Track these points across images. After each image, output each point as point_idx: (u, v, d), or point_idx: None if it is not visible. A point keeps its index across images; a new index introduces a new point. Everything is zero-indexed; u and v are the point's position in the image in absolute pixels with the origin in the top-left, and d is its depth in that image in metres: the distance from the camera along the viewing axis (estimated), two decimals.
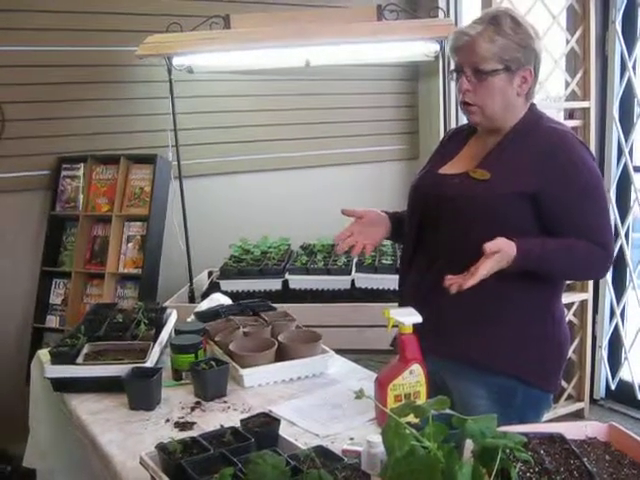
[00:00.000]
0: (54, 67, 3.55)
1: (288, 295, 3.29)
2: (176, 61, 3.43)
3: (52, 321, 3.66)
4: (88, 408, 1.94)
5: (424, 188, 2.00)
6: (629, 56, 3.64)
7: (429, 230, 1.97)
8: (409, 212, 2.07)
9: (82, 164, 3.67)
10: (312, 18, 3.45)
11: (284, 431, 1.61)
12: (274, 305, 2.58)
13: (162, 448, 1.47)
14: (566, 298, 3.40)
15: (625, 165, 3.73)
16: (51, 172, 3.66)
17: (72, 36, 3.55)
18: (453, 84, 1.94)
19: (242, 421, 1.61)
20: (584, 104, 3.66)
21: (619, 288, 3.87)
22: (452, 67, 1.92)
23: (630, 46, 3.65)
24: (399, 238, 2.15)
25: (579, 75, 3.65)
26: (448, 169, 1.98)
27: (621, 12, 3.64)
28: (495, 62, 1.80)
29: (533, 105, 1.93)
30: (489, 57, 1.80)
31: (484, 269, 1.69)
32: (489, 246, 1.69)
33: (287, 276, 3.33)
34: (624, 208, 3.78)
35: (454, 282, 1.71)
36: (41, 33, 3.49)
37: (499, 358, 1.86)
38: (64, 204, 3.68)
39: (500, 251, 1.70)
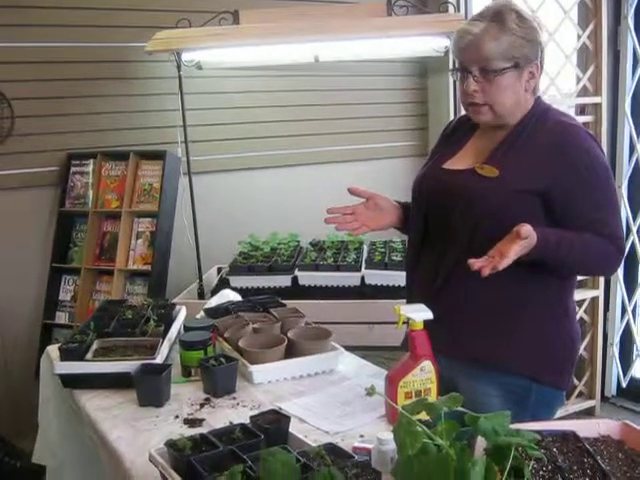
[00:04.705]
0: (63, 63, 3.55)
1: (297, 292, 3.28)
2: (185, 57, 3.42)
3: (61, 317, 3.67)
4: (97, 404, 1.95)
5: (429, 185, 1.97)
6: None
7: (436, 228, 1.94)
8: (414, 208, 2.03)
9: (91, 160, 3.67)
10: (321, 14, 3.44)
11: (294, 428, 1.60)
12: (283, 301, 2.58)
13: (171, 445, 1.46)
14: (577, 295, 3.39)
15: (637, 161, 3.70)
16: (60, 168, 3.67)
17: (81, 32, 3.56)
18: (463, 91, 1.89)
19: (252, 418, 1.61)
20: (596, 100, 3.64)
21: (631, 285, 3.85)
22: (455, 66, 1.87)
23: None
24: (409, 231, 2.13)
25: (590, 70, 3.62)
26: (453, 164, 1.95)
27: (633, 7, 3.61)
28: (503, 60, 1.77)
29: (539, 98, 1.90)
30: (496, 56, 1.76)
31: (514, 252, 1.63)
32: (525, 229, 1.62)
33: (297, 272, 3.32)
34: (636, 204, 3.75)
35: (486, 265, 1.63)
36: (50, 29, 3.49)
37: (513, 358, 1.83)
38: (73, 200, 3.68)
39: (529, 237, 1.64)
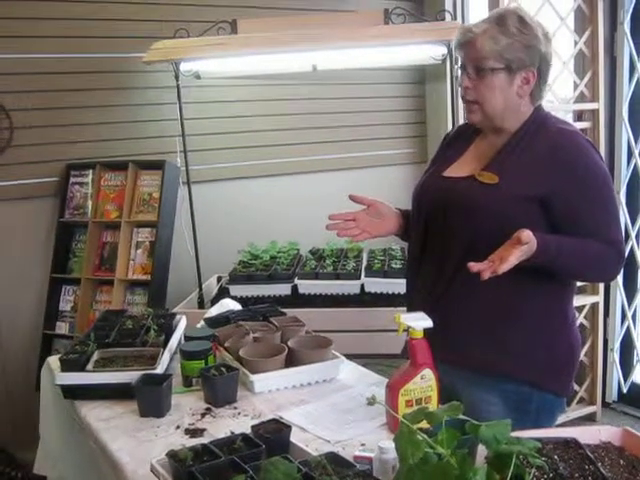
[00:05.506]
0: (62, 74, 3.55)
1: (297, 300, 3.28)
2: (183, 67, 3.43)
3: (62, 328, 3.66)
4: (98, 415, 1.94)
5: (430, 192, 1.98)
6: (638, 57, 3.62)
7: (436, 235, 1.95)
8: (414, 216, 2.04)
9: (90, 171, 3.67)
10: (319, 23, 3.45)
11: (295, 437, 1.60)
12: (283, 310, 2.58)
13: (173, 455, 1.46)
14: (577, 301, 3.39)
15: (635, 166, 3.71)
16: (60, 179, 3.67)
17: (79, 43, 3.57)
18: (460, 87, 1.93)
19: (253, 427, 1.61)
20: (593, 106, 3.65)
21: (630, 290, 3.85)
22: (459, 63, 1.93)
23: (639, 47, 3.63)
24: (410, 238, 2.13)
25: (588, 77, 3.63)
26: (454, 171, 1.96)
27: (629, 13, 3.62)
28: (495, 60, 1.79)
29: (539, 105, 1.91)
30: (489, 55, 1.79)
31: (514, 257, 1.63)
32: (526, 235, 1.63)
33: (296, 281, 3.32)
34: (634, 210, 3.76)
35: (486, 268, 1.64)
36: (49, 40, 3.50)
37: (514, 364, 1.84)
38: (73, 211, 3.68)
39: (530, 242, 1.64)
